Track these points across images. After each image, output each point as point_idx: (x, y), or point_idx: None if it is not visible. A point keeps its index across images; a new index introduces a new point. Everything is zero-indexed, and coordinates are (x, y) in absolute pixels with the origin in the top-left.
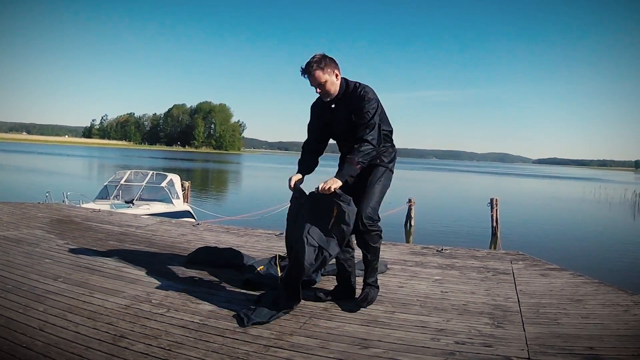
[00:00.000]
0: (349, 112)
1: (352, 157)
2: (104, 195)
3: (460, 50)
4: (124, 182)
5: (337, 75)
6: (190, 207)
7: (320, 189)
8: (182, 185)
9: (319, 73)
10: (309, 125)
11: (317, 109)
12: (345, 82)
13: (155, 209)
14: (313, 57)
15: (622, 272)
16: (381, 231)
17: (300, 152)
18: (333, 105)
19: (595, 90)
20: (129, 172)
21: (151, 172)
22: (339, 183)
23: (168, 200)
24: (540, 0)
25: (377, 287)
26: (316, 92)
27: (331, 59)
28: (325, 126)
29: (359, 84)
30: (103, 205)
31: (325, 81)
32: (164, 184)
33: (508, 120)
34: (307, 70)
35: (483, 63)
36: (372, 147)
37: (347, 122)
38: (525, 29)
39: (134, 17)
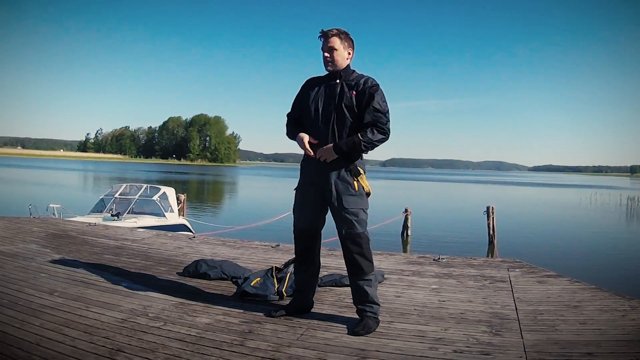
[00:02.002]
0: (352, 93)
1: (361, 135)
2: (100, 208)
3: (454, 59)
4: (119, 195)
5: (349, 54)
6: (187, 220)
7: (315, 157)
8: (177, 198)
9: (335, 39)
10: (295, 100)
11: (311, 83)
12: (353, 69)
13: (144, 222)
14: (335, 28)
15: (619, 277)
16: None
17: (289, 124)
18: (336, 81)
19: (590, 96)
20: (124, 185)
21: (145, 185)
22: (334, 156)
23: (160, 214)
24: (534, 9)
25: (378, 320)
26: (324, 56)
27: (352, 39)
28: (310, 104)
29: (369, 77)
30: (93, 219)
31: (337, 49)
32: (155, 197)
33: (503, 128)
34: (326, 32)
35: (477, 72)
36: (384, 136)
37: (342, 101)
38: (519, 38)
39: (128, 29)
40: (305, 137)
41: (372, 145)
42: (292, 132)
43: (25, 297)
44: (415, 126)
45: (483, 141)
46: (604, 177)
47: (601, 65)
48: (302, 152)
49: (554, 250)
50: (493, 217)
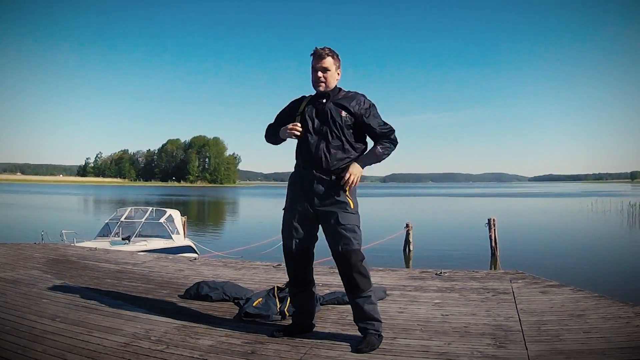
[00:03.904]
0: (340, 111)
1: (378, 148)
2: (105, 232)
3: (451, 73)
4: (125, 219)
5: (339, 74)
6: (192, 242)
7: (349, 182)
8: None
9: (330, 59)
10: (280, 113)
11: (296, 103)
12: (339, 87)
13: (153, 245)
14: (326, 47)
15: (622, 284)
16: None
17: (271, 128)
18: (324, 100)
19: (588, 103)
20: (129, 209)
21: (151, 208)
22: (362, 171)
23: (167, 236)
24: (530, 20)
25: (381, 336)
26: (316, 76)
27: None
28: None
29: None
30: (102, 243)
31: (330, 70)
32: (162, 220)
33: (503, 139)
34: (320, 52)
35: (474, 85)
36: (394, 147)
37: (335, 121)
38: (515, 48)
39: (125, 53)
40: (289, 124)
41: (388, 155)
42: (274, 132)
43: (28, 323)
44: (414, 141)
45: (483, 153)
46: (605, 185)
47: (599, 72)
48: None
49: (556, 260)
50: (495, 229)
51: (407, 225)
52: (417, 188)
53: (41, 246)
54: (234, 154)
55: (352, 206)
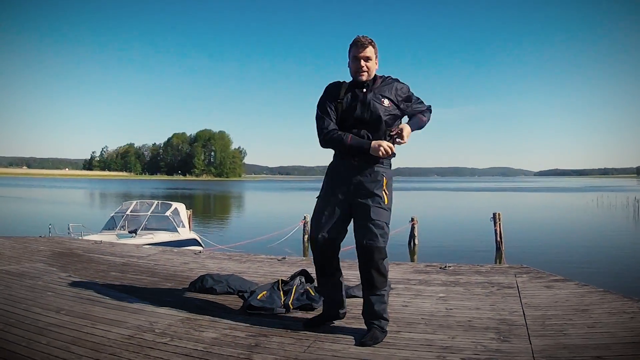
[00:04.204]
0: (383, 100)
1: (422, 116)
2: (110, 226)
3: (456, 67)
4: (130, 212)
5: (377, 63)
6: (198, 235)
7: (400, 134)
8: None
9: (371, 48)
10: (324, 107)
11: (334, 88)
12: (376, 75)
13: (159, 238)
14: (366, 36)
15: (627, 279)
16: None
17: (336, 135)
18: (365, 90)
19: (594, 98)
20: (134, 202)
21: (156, 201)
22: (410, 132)
23: (173, 229)
24: (537, 11)
25: (385, 331)
26: (359, 65)
27: None
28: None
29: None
30: (108, 236)
31: (372, 59)
32: (168, 213)
33: (508, 134)
34: (362, 41)
35: (480, 79)
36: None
37: (373, 110)
38: (521, 42)
39: (132, 46)
40: (384, 144)
41: (428, 122)
42: (339, 138)
43: (32, 315)
44: (420, 135)
45: (488, 148)
46: (611, 180)
47: (604, 67)
48: (307, 164)
49: (561, 255)
50: (500, 224)
51: (412, 219)
52: (423, 182)
53: (46, 239)
54: (239, 147)
55: (386, 202)
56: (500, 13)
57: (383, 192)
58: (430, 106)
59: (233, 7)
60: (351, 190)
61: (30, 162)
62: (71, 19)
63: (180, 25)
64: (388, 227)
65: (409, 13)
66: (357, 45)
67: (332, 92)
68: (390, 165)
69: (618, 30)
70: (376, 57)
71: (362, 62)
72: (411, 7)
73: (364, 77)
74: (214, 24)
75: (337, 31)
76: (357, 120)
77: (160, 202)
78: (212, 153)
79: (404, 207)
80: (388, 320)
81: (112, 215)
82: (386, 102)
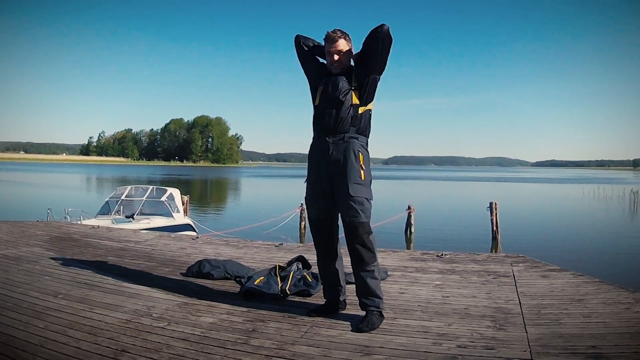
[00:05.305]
0: (346, 78)
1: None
2: (105, 211)
3: (455, 57)
4: (125, 197)
5: (352, 51)
6: (192, 220)
7: None
8: (181, 199)
9: (343, 42)
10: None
11: (323, 69)
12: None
13: (156, 223)
14: (337, 29)
15: (622, 270)
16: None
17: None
18: (341, 78)
19: (591, 90)
20: (129, 187)
21: (151, 187)
22: None
23: (168, 214)
24: (533, 4)
25: (382, 316)
26: (332, 59)
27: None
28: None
29: None
30: (104, 221)
31: (345, 52)
32: (163, 198)
33: (505, 124)
34: (332, 36)
35: (478, 69)
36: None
37: (340, 88)
38: (519, 32)
39: (129, 32)
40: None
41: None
42: (307, 43)
43: (30, 299)
44: (417, 124)
45: (485, 137)
46: (607, 171)
47: (602, 59)
48: (304, 151)
49: (557, 245)
50: (496, 213)
51: (409, 208)
52: (419, 171)
53: (44, 224)
54: (236, 134)
55: (362, 177)
56: (500, 3)
57: (360, 168)
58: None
59: None
60: (330, 168)
61: (27, 147)
62: (69, 4)
63: (179, 12)
64: (369, 202)
65: (410, 2)
66: (329, 40)
67: (320, 66)
68: (367, 142)
69: (617, 24)
70: (351, 47)
71: (335, 56)
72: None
73: (338, 70)
74: (212, 11)
75: (337, 19)
76: (328, 100)
77: (155, 187)
78: (210, 139)
79: (400, 195)
80: (382, 299)
81: (106, 200)
82: (349, 76)
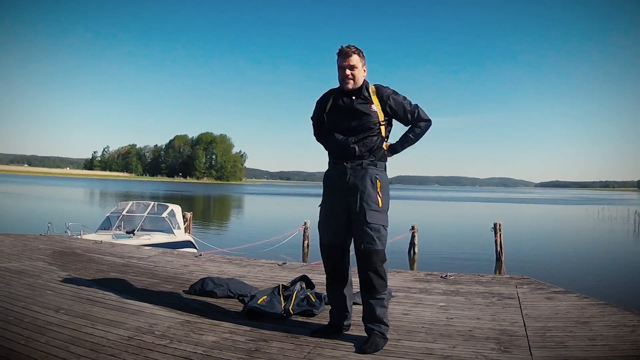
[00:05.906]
0: (370, 106)
1: (410, 135)
2: (106, 226)
3: (457, 76)
4: (126, 212)
5: (365, 70)
6: (192, 237)
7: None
8: (183, 216)
9: (357, 57)
10: (314, 117)
11: (323, 101)
12: (365, 82)
13: (156, 239)
14: (351, 45)
15: (628, 292)
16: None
17: (321, 142)
18: (354, 97)
19: (595, 110)
20: (131, 203)
21: (152, 203)
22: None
23: (169, 231)
24: (537, 21)
25: (385, 337)
26: (344, 74)
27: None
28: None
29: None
30: (105, 236)
31: (357, 67)
32: (164, 215)
33: (509, 144)
34: (346, 50)
35: (482, 89)
36: (428, 122)
37: (359, 116)
38: (521, 51)
39: (135, 48)
40: None
41: (422, 135)
42: (321, 133)
43: (32, 314)
44: (421, 144)
45: (489, 158)
46: (611, 192)
47: (606, 79)
48: (308, 170)
49: (562, 266)
50: (500, 234)
51: (413, 228)
52: (423, 191)
53: (47, 238)
54: (240, 151)
55: (380, 204)
56: (501, 22)
57: (377, 195)
58: (428, 120)
59: (238, 9)
60: (346, 194)
61: (32, 160)
62: (76, 17)
63: (185, 28)
64: (385, 229)
65: (409, 21)
66: (342, 55)
67: (320, 106)
68: (385, 167)
69: (621, 42)
70: (363, 65)
71: (347, 71)
72: (411, 16)
73: (350, 86)
74: (218, 27)
75: (341, 36)
76: (344, 128)
77: (156, 203)
78: (214, 156)
79: (404, 215)
80: (388, 326)
81: (107, 215)
82: (373, 107)
